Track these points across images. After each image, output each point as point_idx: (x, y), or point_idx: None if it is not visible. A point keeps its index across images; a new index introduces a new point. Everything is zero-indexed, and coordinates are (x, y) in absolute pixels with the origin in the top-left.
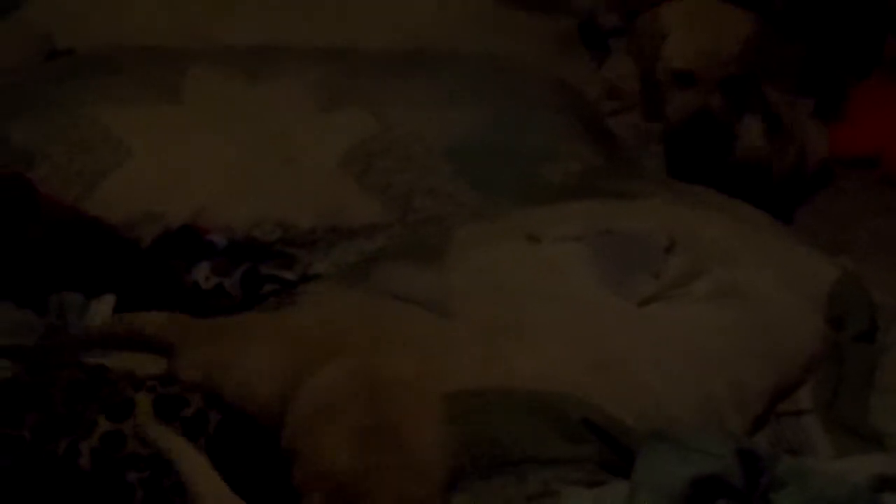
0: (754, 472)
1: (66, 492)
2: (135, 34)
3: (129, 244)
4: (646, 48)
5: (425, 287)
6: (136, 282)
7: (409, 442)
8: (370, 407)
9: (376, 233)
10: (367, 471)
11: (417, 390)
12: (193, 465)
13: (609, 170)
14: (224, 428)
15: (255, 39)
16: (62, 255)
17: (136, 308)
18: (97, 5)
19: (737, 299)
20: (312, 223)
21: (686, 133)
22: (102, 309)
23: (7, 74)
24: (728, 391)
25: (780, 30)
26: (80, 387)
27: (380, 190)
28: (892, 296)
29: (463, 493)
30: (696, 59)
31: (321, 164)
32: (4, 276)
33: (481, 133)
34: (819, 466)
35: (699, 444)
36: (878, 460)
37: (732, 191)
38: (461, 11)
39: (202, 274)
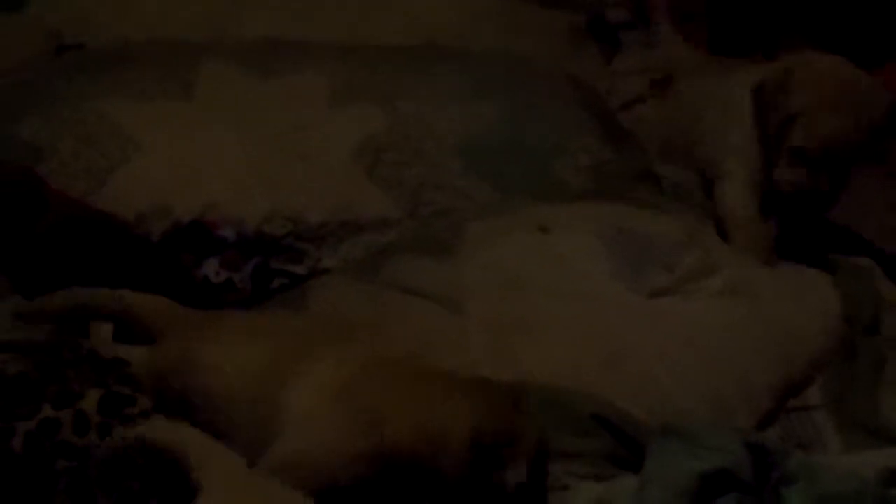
0: (764, 467)
1: None
2: (145, 29)
3: (139, 239)
4: (770, 117)
5: (436, 282)
6: (145, 277)
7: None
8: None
9: (386, 227)
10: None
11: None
12: (204, 451)
13: (623, 171)
14: None
15: (266, 34)
16: (71, 250)
17: None
18: (106, 0)
19: (748, 296)
20: (323, 218)
21: (790, 205)
22: None
23: (16, 70)
24: (737, 386)
25: None
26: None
27: (390, 185)
28: None
29: None
30: (818, 143)
31: (332, 158)
32: (14, 270)
33: (492, 128)
34: (829, 461)
35: (709, 438)
36: (887, 455)
37: None
38: (472, 6)
39: (212, 269)
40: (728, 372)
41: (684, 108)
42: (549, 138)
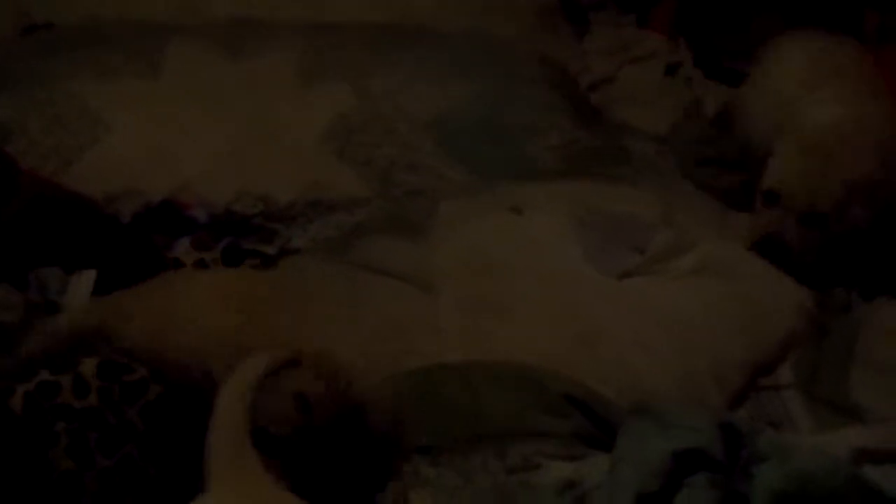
0: (735, 446)
1: None
2: (114, 8)
3: (110, 219)
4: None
5: (408, 262)
6: (116, 257)
7: None
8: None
9: (357, 207)
10: None
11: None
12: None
13: (593, 148)
14: (164, 398)
15: (236, 13)
16: (42, 230)
17: (117, 284)
18: None
19: (719, 275)
20: (293, 197)
21: (755, 249)
22: (83, 284)
23: None
24: (708, 365)
25: None
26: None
27: (360, 164)
28: None
29: (444, 466)
30: (788, 187)
31: (302, 138)
32: None
33: (463, 107)
34: (799, 440)
35: (680, 418)
36: (857, 433)
37: None
38: None
39: (183, 249)
40: (699, 351)
41: None
42: (520, 118)
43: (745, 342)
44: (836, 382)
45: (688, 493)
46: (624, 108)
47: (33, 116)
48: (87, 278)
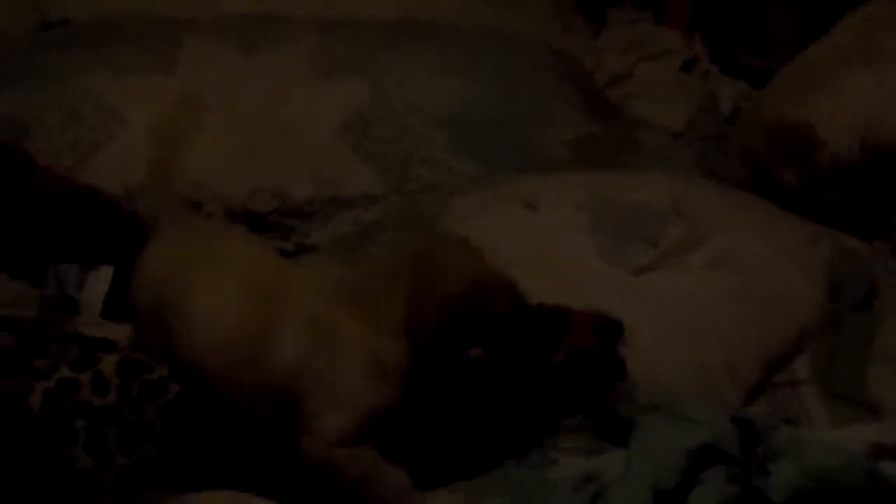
0: (751, 442)
1: (10, 427)
2: (129, 4)
3: (127, 215)
4: None
5: None
6: (134, 254)
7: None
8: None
9: (372, 203)
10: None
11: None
12: None
13: (607, 140)
14: (183, 397)
15: (252, 9)
16: (59, 226)
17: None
18: None
19: (733, 269)
20: (309, 193)
21: None
22: (100, 280)
23: (1, 45)
24: (723, 360)
25: None
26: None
27: (376, 159)
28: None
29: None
30: None
31: (318, 134)
32: (1, 246)
33: (477, 102)
34: (816, 436)
35: (695, 413)
36: (874, 429)
37: None
38: None
39: None
40: (714, 346)
41: None
42: (534, 113)
43: (759, 336)
44: (854, 378)
45: (705, 489)
46: (640, 104)
47: (50, 112)
48: (105, 274)
